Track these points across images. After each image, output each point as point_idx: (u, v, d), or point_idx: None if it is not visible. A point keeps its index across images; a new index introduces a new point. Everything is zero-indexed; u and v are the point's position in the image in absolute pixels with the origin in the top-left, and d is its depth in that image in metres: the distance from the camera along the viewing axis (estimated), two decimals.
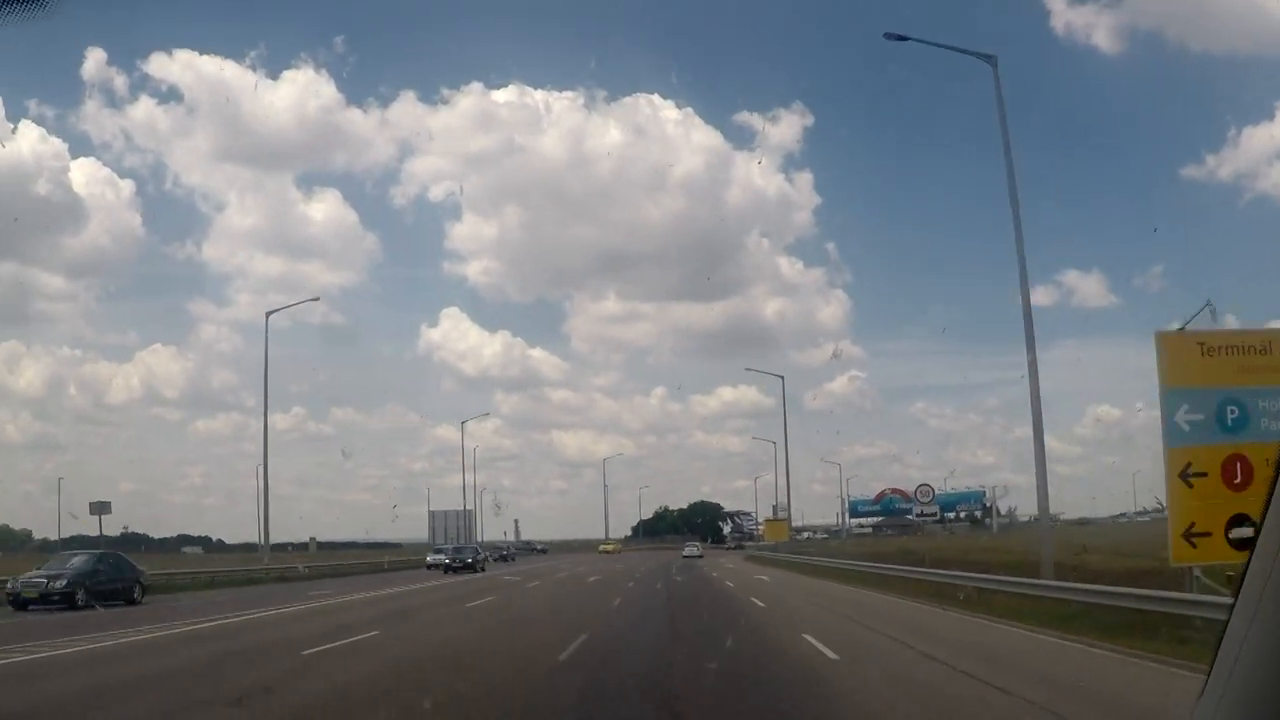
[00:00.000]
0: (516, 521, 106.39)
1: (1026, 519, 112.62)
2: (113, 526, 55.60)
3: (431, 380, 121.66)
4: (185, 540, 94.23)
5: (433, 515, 77.17)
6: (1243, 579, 2.16)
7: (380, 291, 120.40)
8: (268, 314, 46.53)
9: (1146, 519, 74.06)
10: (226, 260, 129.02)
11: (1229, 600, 2.51)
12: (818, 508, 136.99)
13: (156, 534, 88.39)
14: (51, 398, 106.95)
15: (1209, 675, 2.25)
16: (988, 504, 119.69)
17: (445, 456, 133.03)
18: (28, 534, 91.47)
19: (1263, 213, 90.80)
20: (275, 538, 50.67)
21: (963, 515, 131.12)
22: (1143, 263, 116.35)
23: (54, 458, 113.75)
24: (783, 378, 61.75)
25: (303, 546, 65.75)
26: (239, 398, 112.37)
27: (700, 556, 73.33)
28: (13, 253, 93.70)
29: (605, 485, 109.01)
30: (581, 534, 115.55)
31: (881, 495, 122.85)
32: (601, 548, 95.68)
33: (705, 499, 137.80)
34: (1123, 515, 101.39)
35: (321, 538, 71.55)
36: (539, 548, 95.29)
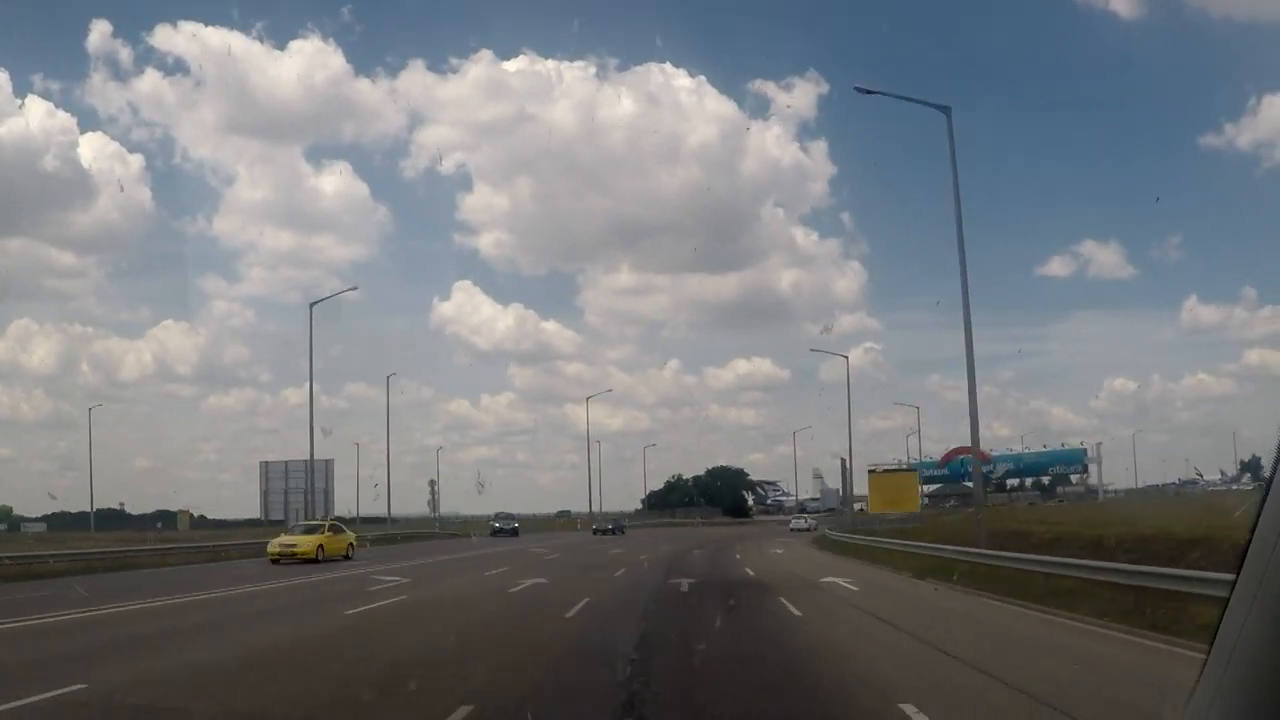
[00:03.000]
0: (432, 483, 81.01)
1: (1111, 487, 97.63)
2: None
3: (444, 354, 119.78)
4: (163, 516, 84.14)
5: (265, 471, 55.21)
6: (1243, 557, 2.16)
7: (392, 265, 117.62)
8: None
9: (1222, 488, 71.23)
10: (237, 235, 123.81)
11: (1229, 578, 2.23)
12: (857, 472, 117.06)
13: (174, 508, 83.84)
14: (64, 375, 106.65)
15: (1207, 657, 2.23)
16: (1087, 464, 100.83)
17: (460, 431, 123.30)
18: (8, 510, 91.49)
19: None
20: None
21: (1045, 481, 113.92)
22: (1160, 233, 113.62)
23: (67, 435, 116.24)
24: (948, 109, 43.06)
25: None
26: (252, 373, 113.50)
27: (809, 529, 59.28)
28: (22, 229, 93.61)
29: (590, 444, 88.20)
30: (606, 507, 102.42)
31: (950, 456, 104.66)
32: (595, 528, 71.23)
33: (724, 465, 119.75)
34: (1192, 482, 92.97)
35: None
36: (502, 525, 63.54)
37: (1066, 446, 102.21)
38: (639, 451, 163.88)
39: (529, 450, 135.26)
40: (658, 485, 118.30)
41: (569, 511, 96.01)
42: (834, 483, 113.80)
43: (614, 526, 63.65)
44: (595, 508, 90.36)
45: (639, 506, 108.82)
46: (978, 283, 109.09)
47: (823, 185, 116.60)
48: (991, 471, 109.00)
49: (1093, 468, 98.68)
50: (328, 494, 49.32)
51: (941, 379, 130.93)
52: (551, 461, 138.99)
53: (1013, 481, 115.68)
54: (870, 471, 57.20)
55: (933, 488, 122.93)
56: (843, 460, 55.07)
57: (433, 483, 57.46)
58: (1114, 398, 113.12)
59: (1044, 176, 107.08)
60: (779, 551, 34.79)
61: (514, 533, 59.15)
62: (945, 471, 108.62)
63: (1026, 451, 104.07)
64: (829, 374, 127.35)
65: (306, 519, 41.86)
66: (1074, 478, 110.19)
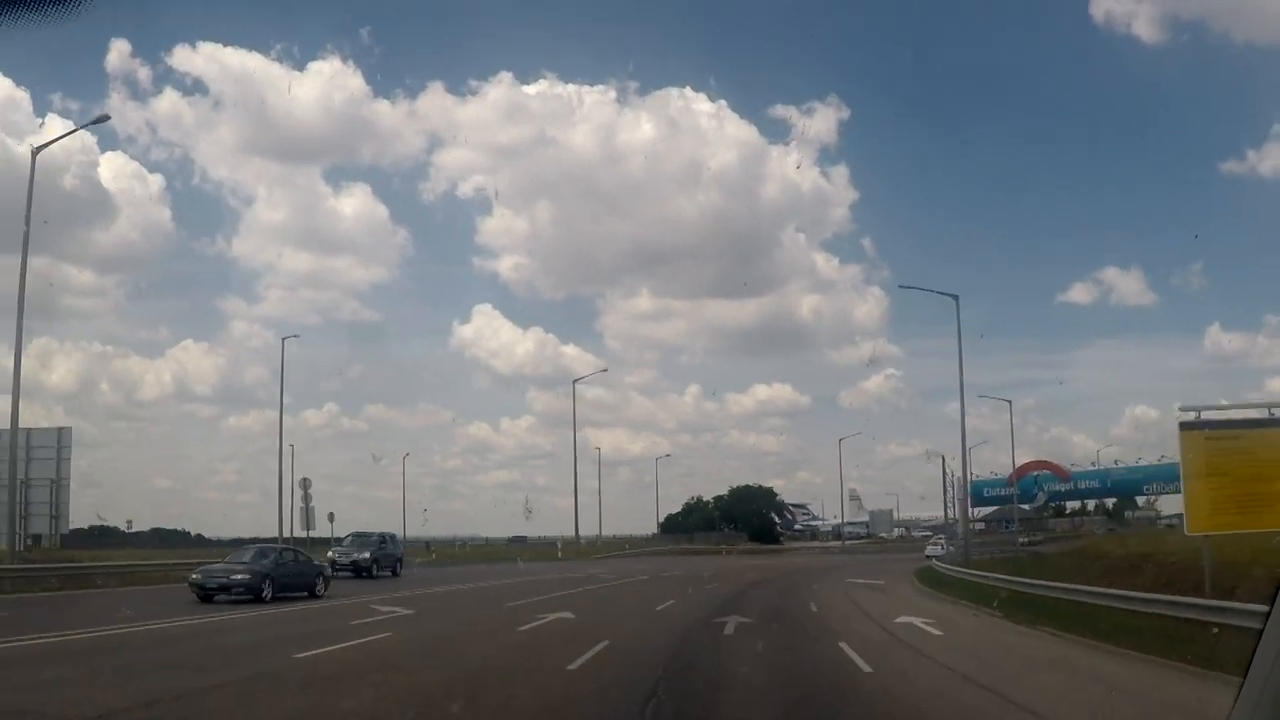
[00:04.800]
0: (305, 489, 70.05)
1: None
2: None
3: (464, 377, 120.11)
4: (163, 534, 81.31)
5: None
6: (1277, 592, 2.22)
7: (412, 287, 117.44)
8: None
9: None
10: (256, 255, 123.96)
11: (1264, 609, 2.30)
12: (880, 499, 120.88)
13: (194, 529, 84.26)
14: (83, 393, 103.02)
15: (1242, 685, 2.25)
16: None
17: (479, 454, 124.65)
18: None
19: None
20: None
21: (1108, 505, 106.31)
22: (1183, 260, 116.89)
23: (86, 455, 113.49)
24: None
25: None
26: (271, 394, 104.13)
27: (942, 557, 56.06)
28: (43, 248, 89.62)
29: (595, 460, 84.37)
30: (620, 530, 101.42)
31: (1023, 472, 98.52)
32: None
33: (749, 484, 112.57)
34: None
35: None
36: (343, 556, 35.12)
37: (1165, 460, 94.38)
38: (659, 476, 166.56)
39: (548, 474, 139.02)
40: (676, 509, 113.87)
41: (525, 538, 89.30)
42: (871, 505, 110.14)
43: (368, 555, 34.95)
44: (601, 530, 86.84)
45: (654, 533, 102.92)
46: (1001, 310, 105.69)
47: (844, 210, 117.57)
48: (1073, 490, 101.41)
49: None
50: (308, 513, 46.05)
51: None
52: (570, 486, 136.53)
53: (1073, 505, 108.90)
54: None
55: (985, 511, 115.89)
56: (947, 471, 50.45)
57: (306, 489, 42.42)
58: (1136, 425, 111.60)
59: (1065, 202, 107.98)
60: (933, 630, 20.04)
61: (367, 571, 34.35)
62: (1014, 490, 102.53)
63: (1115, 466, 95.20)
64: (851, 400, 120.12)
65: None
66: (1140, 500, 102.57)
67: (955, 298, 24.01)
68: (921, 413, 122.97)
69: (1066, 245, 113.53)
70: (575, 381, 49.34)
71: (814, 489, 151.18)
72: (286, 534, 44.65)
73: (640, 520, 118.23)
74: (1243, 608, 11.92)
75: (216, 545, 68.06)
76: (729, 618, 18.64)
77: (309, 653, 13.05)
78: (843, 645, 14.45)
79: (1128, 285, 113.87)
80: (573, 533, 70.76)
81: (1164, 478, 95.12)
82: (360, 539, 37.19)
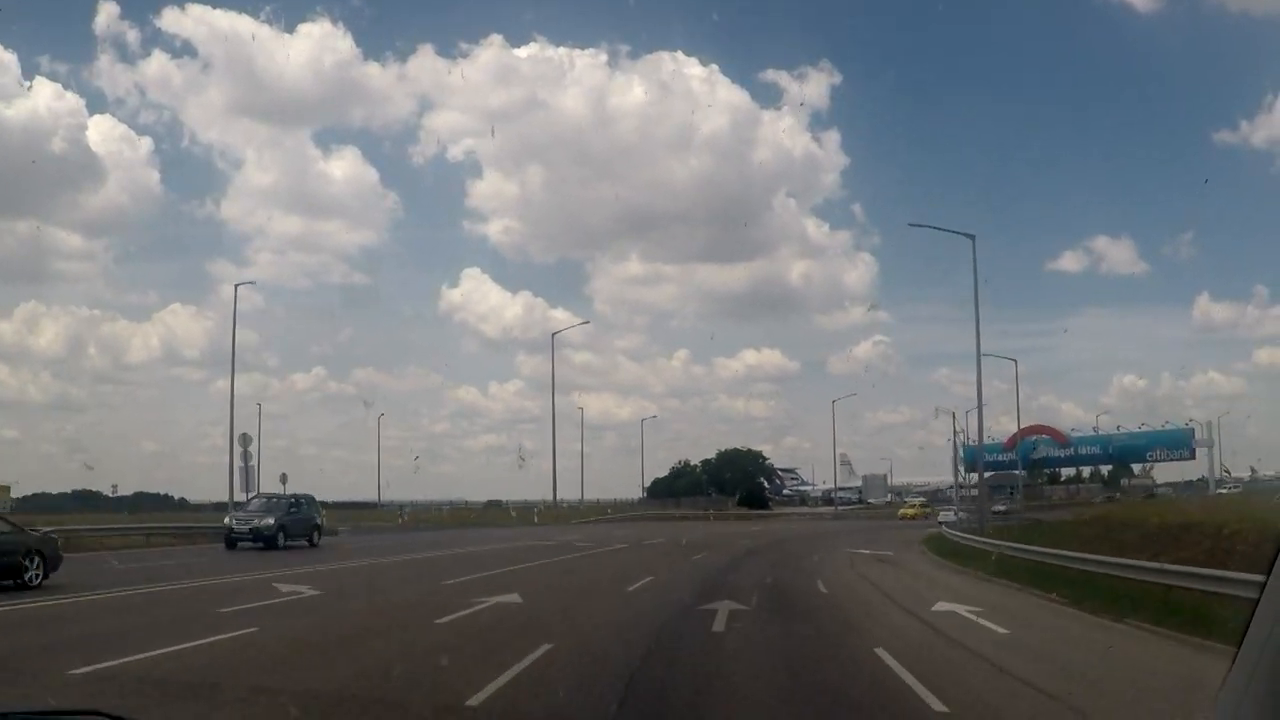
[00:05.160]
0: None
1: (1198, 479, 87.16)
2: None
3: (452, 341, 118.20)
4: (145, 498, 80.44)
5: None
6: (1276, 555, 2.15)
7: (401, 251, 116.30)
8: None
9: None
10: (245, 219, 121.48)
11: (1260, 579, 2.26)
12: (869, 465, 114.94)
13: (182, 494, 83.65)
14: (71, 358, 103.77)
15: (1235, 658, 2.22)
16: (1195, 447, 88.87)
17: (468, 418, 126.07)
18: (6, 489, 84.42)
19: None
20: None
21: (1104, 472, 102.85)
22: (1173, 229, 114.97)
23: (74, 419, 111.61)
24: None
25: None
26: (260, 358, 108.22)
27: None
28: (31, 210, 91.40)
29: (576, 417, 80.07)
30: (607, 495, 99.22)
31: (1022, 436, 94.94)
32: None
33: (737, 447, 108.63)
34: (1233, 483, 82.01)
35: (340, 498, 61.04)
36: (240, 526, 30.09)
37: (1170, 426, 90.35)
38: (647, 441, 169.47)
39: (537, 438, 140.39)
40: (664, 474, 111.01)
41: (500, 502, 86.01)
42: (864, 470, 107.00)
43: (272, 522, 29.80)
44: (583, 494, 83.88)
45: (641, 496, 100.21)
46: (990, 278, 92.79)
47: (834, 176, 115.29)
48: (1073, 456, 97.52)
49: (1203, 453, 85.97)
50: (248, 473, 41.62)
51: (950, 373, 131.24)
52: (559, 449, 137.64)
53: (1067, 471, 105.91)
54: None
55: (989, 474, 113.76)
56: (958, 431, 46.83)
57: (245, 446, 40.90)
58: (1123, 395, 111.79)
59: (1056, 170, 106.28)
60: None
61: (271, 540, 29.26)
62: (1012, 456, 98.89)
63: (1117, 432, 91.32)
64: (839, 366, 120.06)
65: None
66: (1136, 468, 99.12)
67: (971, 237, 21.38)
68: (910, 379, 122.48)
69: (1057, 213, 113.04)
70: (554, 335, 48.49)
71: (802, 454, 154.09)
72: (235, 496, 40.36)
73: (627, 484, 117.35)
74: None
75: (196, 509, 67.86)
76: (719, 604, 14.29)
77: (95, 667, 8.66)
78: (880, 653, 10.14)
79: (1118, 254, 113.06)
80: (556, 496, 66.44)
81: (1169, 443, 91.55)
82: (269, 502, 32.55)
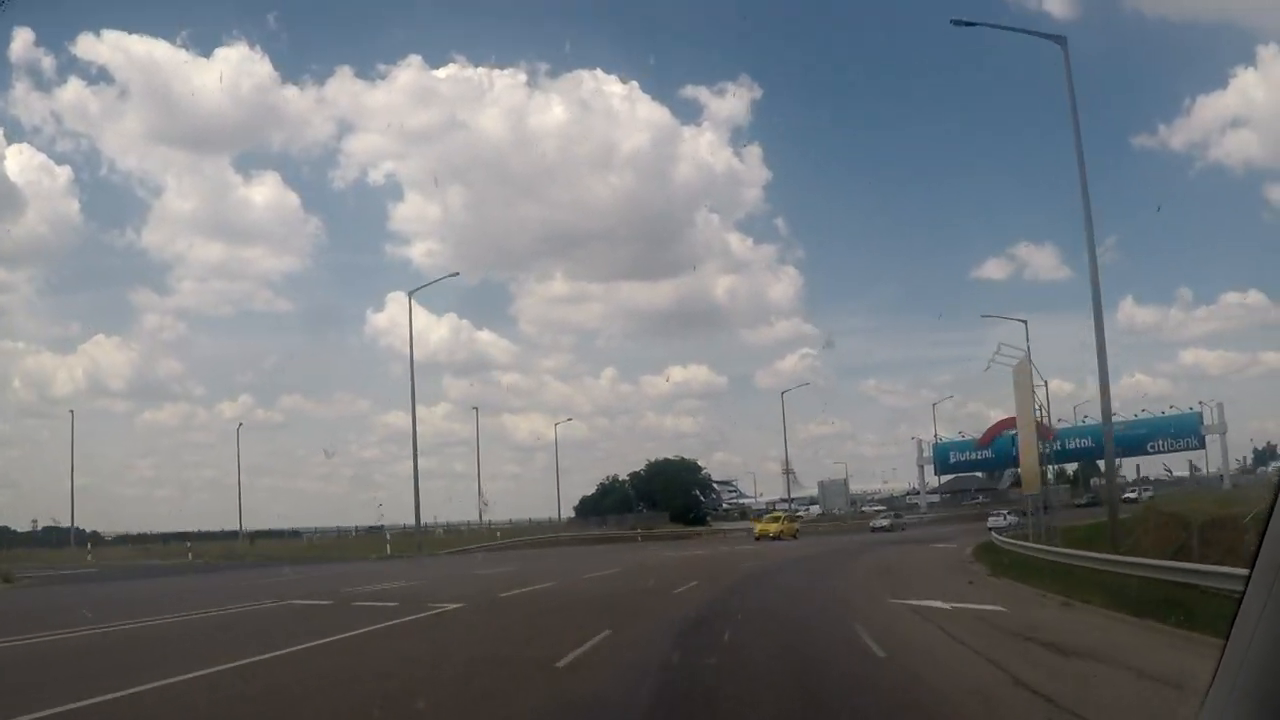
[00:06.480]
0: None
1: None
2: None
3: (380, 366, 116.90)
4: (54, 533, 78.08)
5: None
6: (1258, 550, 2.08)
7: (325, 276, 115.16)
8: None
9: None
10: (166, 247, 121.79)
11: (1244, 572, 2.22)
12: (817, 472, 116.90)
13: (111, 530, 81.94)
14: None
15: (1221, 658, 2.17)
16: (1204, 435, 77.73)
17: (397, 444, 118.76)
18: None
19: (1214, 183, 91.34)
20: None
21: (1071, 473, 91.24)
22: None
23: (1, 453, 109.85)
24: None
25: None
26: (185, 387, 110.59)
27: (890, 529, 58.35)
28: None
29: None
30: (536, 515, 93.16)
31: (997, 432, 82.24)
32: None
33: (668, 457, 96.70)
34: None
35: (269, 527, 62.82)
36: None
37: (1172, 411, 78.87)
38: (575, 461, 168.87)
39: (467, 461, 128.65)
40: (591, 491, 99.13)
41: (382, 528, 72.54)
42: (810, 481, 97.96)
43: None
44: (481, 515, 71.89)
45: (570, 516, 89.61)
46: (915, 288, 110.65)
47: (757, 191, 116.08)
48: (1060, 451, 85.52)
49: (1212, 441, 76.04)
50: None
51: (878, 383, 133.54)
52: (489, 472, 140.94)
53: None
54: None
55: (950, 478, 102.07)
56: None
57: None
58: (1051, 398, 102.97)
59: (978, 178, 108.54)
60: None
61: None
62: (989, 454, 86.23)
63: (1117, 420, 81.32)
64: (766, 380, 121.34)
65: None
66: (1136, 462, 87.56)
67: (1061, 40, 20.05)
68: (838, 391, 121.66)
69: (980, 222, 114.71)
70: (411, 293, 40.78)
71: (733, 468, 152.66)
72: None
73: (554, 505, 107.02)
74: None
75: (105, 544, 64.58)
76: None
77: None
78: None
79: (1042, 260, 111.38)
80: (419, 521, 51.82)
81: (1174, 431, 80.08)
82: None
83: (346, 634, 13.39)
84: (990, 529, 46.68)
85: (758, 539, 53.03)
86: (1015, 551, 26.48)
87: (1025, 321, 48.88)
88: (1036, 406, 26.77)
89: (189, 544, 52.70)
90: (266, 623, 15.86)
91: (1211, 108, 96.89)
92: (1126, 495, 66.74)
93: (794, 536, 55.10)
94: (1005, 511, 58.56)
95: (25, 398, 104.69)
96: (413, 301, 58.34)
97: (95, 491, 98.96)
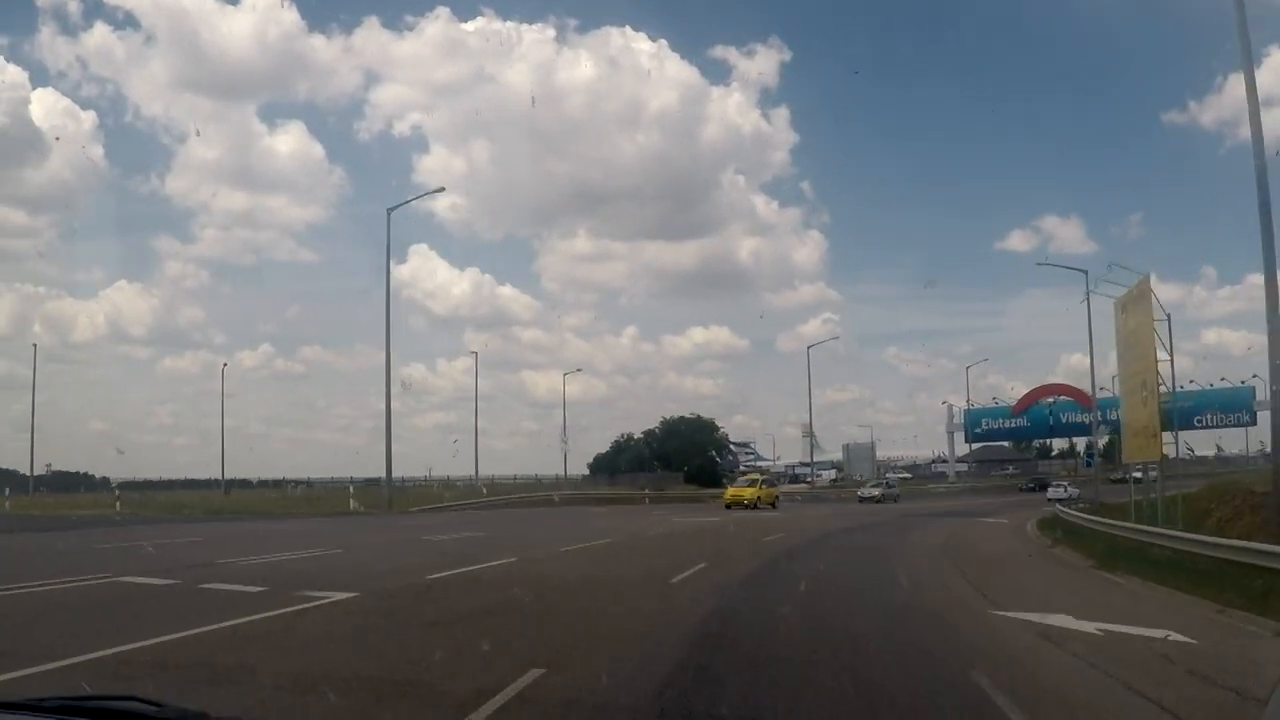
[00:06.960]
0: None
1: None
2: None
3: (400, 318, 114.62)
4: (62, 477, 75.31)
5: None
6: None
7: (348, 227, 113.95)
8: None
9: None
10: (190, 195, 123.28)
11: None
12: (835, 438, 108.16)
13: (119, 475, 72.25)
14: (16, 336, 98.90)
15: None
16: (1256, 409, 71.63)
17: (415, 397, 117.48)
18: None
19: (1243, 161, 65.41)
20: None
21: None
22: (1121, 210, 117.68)
23: (22, 397, 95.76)
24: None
25: None
26: (206, 335, 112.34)
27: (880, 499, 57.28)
28: None
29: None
30: (543, 471, 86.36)
31: (1032, 400, 76.80)
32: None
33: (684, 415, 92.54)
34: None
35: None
36: None
37: (1223, 384, 72.77)
38: (595, 419, 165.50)
39: (486, 416, 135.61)
40: (605, 449, 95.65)
41: (379, 480, 68.08)
42: (832, 446, 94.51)
43: None
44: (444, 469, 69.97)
45: (585, 474, 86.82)
46: (938, 256, 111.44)
47: (784, 154, 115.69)
48: (1102, 421, 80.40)
49: (1264, 416, 69.85)
50: None
51: (899, 351, 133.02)
52: (508, 428, 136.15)
53: (1058, 443, 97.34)
54: None
55: (978, 447, 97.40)
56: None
57: None
58: (1071, 374, 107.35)
59: (1006, 149, 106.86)
60: None
61: None
62: (1024, 422, 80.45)
63: (1163, 391, 74.87)
64: (787, 344, 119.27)
65: None
66: (1184, 436, 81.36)
67: None
68: (858, 359, 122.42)
69: (1006, 193, 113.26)
70: (390, 210, 39.21)
71: (751, 432, 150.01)
72: None
73: (573, 461, 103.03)
74: None
75: (114, 488, 60.52)
76: None
77: None
78: None
79: (1067, 234, 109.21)
80: (390, 474, 46.64)
81: (1224, 405, 73.92)
82: None
83: (103, 651, 7.53)
84: (1050, 499, 43.97)
85: (729, 507, 44.96)
86: (1113, 535, 20.89)
87: (1085, 272, 42.99)
88: (1160, 346, 20.88)
89: (117, 492, 47.72)
90: (37, 615, 10.29)
91: (1243, 85, 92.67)
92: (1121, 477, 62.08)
93: (773, 505, 48.64)
94: (1065, 483, 56.08)
95: (46, 343, 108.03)
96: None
97: (116, 438, 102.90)
